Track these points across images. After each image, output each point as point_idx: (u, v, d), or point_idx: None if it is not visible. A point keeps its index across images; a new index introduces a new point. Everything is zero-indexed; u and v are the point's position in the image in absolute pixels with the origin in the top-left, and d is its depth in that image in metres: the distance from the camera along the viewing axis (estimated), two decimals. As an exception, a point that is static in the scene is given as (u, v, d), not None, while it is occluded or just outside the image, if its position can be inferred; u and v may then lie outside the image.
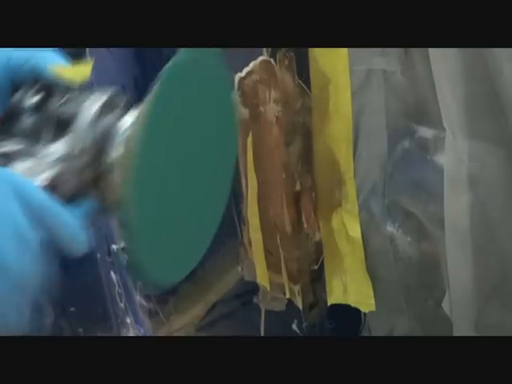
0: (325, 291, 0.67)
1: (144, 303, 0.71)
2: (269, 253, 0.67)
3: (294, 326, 0.71)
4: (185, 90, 0.31)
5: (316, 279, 0.67)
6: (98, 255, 0.68)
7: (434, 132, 0.55)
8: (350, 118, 0.59)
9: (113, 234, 0.67)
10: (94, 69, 0.36)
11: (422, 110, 0.55)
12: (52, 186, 0.29)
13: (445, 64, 0.50)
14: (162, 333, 0.72)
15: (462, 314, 0.56)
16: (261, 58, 0.59)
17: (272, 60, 0.59)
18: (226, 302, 0.73)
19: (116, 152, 0.30)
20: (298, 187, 0.62)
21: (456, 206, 0.53)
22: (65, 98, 0.34)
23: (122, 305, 0.69)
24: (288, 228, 0.64)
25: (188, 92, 0.32)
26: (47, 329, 0.67)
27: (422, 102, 0.54)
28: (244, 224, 0.68)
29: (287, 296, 0.68)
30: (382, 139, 0.58)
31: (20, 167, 0.30)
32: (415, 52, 0.53)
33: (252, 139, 0.62)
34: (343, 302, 0.66)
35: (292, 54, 0.59)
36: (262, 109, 0.61)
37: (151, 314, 0.72)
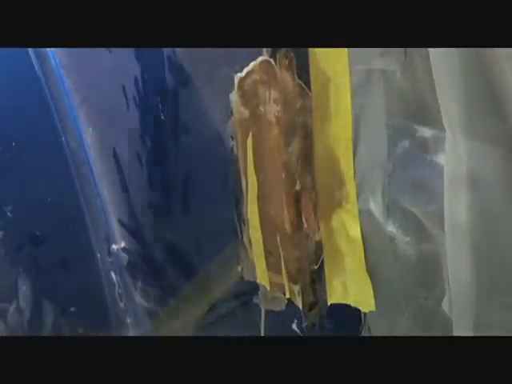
0: (325, 291, 0.67)
1: (144, 303, 0.71)
2: (269, 253, 0.67)
3: (294, 326, 0.71)
4: None
5: (316, 279, 0.67)
6: (98, 255, 0.68)
7: (433, 132, 0.55)
8: (349, 118, 0.59)
9: (113, 234, 0.68)
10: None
11: (422, 110, 0.55)
12: None
13: (445, 64, 0.50)
14: (162, 333, 0.72)
15: (461, 313, 0.56)
16: (261, 58, 0.59)
17: (272, 60, 0.59)
18: (226, 301, 0.73)
19: None
20: (298, 187, 0.62)
21: (456, 206, 0.53)
22: None
23: (122, 305, 0.69)
24: (288, 228, 0.64)
25: None
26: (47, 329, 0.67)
27: (422, 102, 0.54)
28: (244, 224, 0.68)
29: (287, 296, 0.68)
30: (382, 139, 0.58)
31: None
32: (415, 52, 0.53)
33: (252, 139, 0.62)
34: (343, 302, 0.66)
35: (292, 54, 0.59)
36: (262, 109, 0.61)
37: (151, 314, 0.72)
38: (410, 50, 0.54)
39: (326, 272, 0.66)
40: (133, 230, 0.69)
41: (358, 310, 0.66)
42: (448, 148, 0.53)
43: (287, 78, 0.59)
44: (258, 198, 0.64)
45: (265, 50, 0.59)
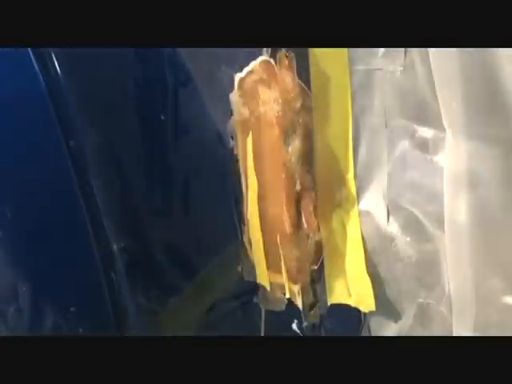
0: (325, 291, 0.67)
1: (144, 303, 0.71)
2: (269, 253, 0.67)
3: (294, 326, 0.71)
4: None
5: (316, 279, 0.67)
6: (98, 255, 0.68)
7: (433, 132, 0.55)
8: (349, 118, 0.59)
9: (113, 234, 0.68)
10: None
11: (421, 110, 0.55)
12: None
13: (445, 64, 0.50)
14: (162, 333, 0.72)
15: (461, 313, 0.56)
16: (261, 58, 0.59)
17: (272, 60, 0.59)
18: (226, 301, 0.73)
19: None
20: (298, 187, 0.62)
21: (456, 206, 0.53)
22: None
23: (122, 305, 0.69)
24: (288, 228, 0.64)
25: None
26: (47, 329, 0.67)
27: (422, 101, 0.54)
28: (244, 224, 0.68)
29: (287, 296, 0.68)
30: (382, 139, 0.58)
31: None
32: (415, 52, 0.53)
33: (252, 139, 0.62)
34: (343, 302, 0.66)
35: (292, 53, 0.59)
36: (261, 109, 0.61)
37: (151, 313, 0.72)
38: (409, 49, 0.54)
39: (326, 272, 0.66)
40: (133, 230, 0.69)
41: (358, 310, 0.66)
42: (448, 148, 0.53)
43: (287, 78, 0.59)
44: (258, 198, 0.64)
45: (265, 49, 0.59)
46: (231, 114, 0.63)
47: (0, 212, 0.65)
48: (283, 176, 0.62)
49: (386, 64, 0.55)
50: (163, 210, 0.70)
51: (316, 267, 0.66)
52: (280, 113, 0.60)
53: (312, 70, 0.59)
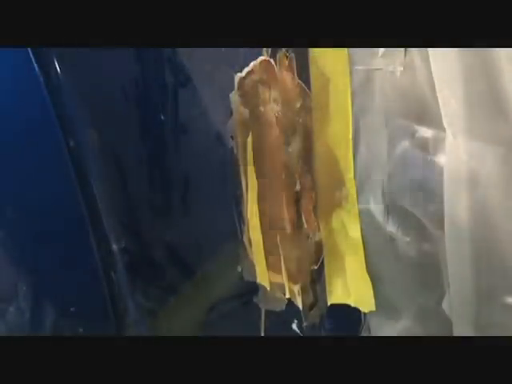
0: (325, 291, 0.67)
1: (144, 303, 0.71)
2: (269, 253, 0.67)
3: (294, 326, 0.71)
4: None
5: (316, 279, 0.67)
6: (98, 255, 0.68)
7: (434, 132, 0.55)
8: (349, 118, 0.59)
9: (113, 234, 0.68)
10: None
11: (422, 110, 0.55)
12: None
13: (445, 64, 0.50)
14: (162, 333, 0.72)
15: (461, 313, 0.56)
16: (261, 58, 0.59)
17: (272, 60, 0.59)
18: (226, 301, 0.73)
19: None
20: (298, 187, 0.62)
21: (456, 206, 0.53)
22: None
23: (121, 305, 0.69)
24: (288, 228, 0.64)
25: None
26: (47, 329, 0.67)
27: (422, 101, 0.54)
28: (244, 224, 0.68)
29: (287, 296, 0.68)
30: (382, 139, 0.58)
31: None
32: (415, 52, 0.53)
33: (252, 139, 0.62)
34: (343, 302, 0.66)
35: (292, 54, 0.59)
36: (262, 109, 0.61)
37: (151, 313, 0.72)
38: (409, 49, 0.54)
39: (326, 272, 0.66)
40: (133, 230, 0.69)
41: (358, 310, 0.66)
42: (448, 148, 0.53)
43: (287, 78, 0.59)
44: (258, 198, 0.64)
45: (265, 49, 0.59)
46: (231, 114, 0.63)
47: (0, 212, 0.65)
48: (283, 176, 0.62)
49: (386, 64, 0.55)
50: (163, 210, 0.70)
51: (316, 267, 0.66)
52: (280, 113, 0.60)
53: (312, 69, 0.59)
